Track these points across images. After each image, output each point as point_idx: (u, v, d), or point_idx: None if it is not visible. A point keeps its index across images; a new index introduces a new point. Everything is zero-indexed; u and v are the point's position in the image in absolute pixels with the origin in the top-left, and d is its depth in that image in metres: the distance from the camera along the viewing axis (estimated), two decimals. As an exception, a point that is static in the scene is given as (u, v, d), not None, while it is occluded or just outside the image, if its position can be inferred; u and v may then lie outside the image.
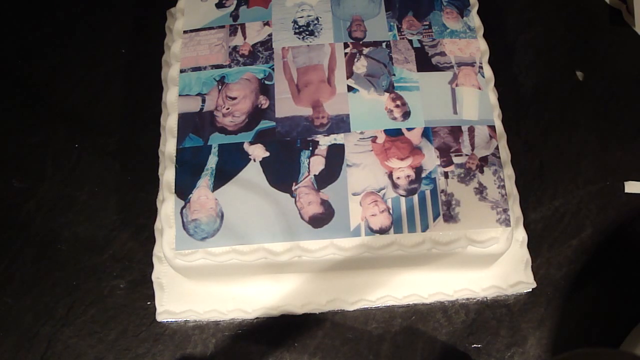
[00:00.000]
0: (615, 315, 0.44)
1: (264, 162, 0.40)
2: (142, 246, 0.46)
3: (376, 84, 0.42)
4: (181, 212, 0.39)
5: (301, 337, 0.43)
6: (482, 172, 0.39)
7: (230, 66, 0.43)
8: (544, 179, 0.48)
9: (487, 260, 0.42)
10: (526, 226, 0.45)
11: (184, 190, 0.39)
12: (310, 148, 0.40)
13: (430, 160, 0.40)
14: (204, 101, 0.42)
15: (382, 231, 0.38)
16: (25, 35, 0.54)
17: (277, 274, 0.42)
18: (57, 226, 0.47)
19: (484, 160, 0.40)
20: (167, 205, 0.39)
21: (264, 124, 0.41)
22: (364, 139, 0.40)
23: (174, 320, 0.44)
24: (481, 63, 0.43)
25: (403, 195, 0.39)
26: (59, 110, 0.51)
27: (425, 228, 0.38)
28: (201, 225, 0.38)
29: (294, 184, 0.39)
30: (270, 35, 0.44)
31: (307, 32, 0.44)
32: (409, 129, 0.41)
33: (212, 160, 0.40)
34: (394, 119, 0.41)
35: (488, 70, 0.44)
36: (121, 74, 0.52)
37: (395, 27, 0.44)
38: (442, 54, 0.43)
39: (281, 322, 0.43)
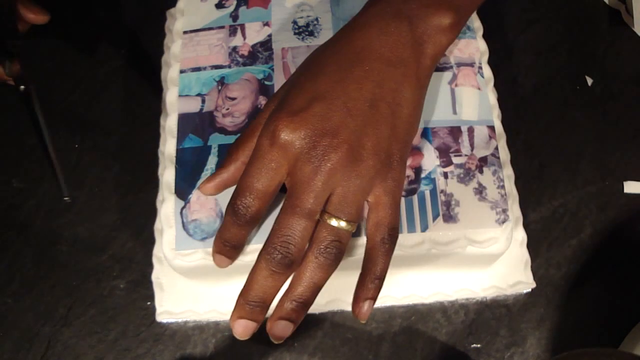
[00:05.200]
0: (614, 315, 0.44)
1: (263, 163, 0.40)
2: (142, 246, 0.46)
3: (376, 84, 0.42)
4: (181, 212, 0.39)
5: (301, 337, 0.43)
6: (481, 172, 0.40)
7: (230, 66, 0.43)
8: (544, 179, 0.48)
9: (486, 260, 0.42)
10: (525, 226, 0.45)
11: (184, 190, 0.39)
12: (310, 148, 0.40)
13: (430, 160, 0.40)
14: (203, 101, 0.42)
15: (382, 231, 0.38)
16: (25, 35, 0.54)
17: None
18: (57, 226, 0.47)
19: (483, 161, 0.40)
20: (167, 205, 0.39)
21: (264, 124, 0.41)
22: (363, 139, 0.40)
23: (173, 320, 0.44)
24: (480, 63, 0.43)
25: (402, 196, 0.39)
26: (59, 110, 0.51)
27: (424, 228, 0.38)
28: (201, 225, 0.38)
29: (293, 184, 0.39)
30: (269, 35, 0.44)
31: (306, 33, 0.44)
32: (408, 129, 0.41)
33: (212, 161, 0.40)
34: (394, 119, 0.41)
35: (487, 71, 0.44)
36: (121, 74, 0.52)
37: (395, 27, 0.44)
38: (442, 54, 0.43)
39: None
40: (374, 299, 0.34)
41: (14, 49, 0.40)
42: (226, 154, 0.37)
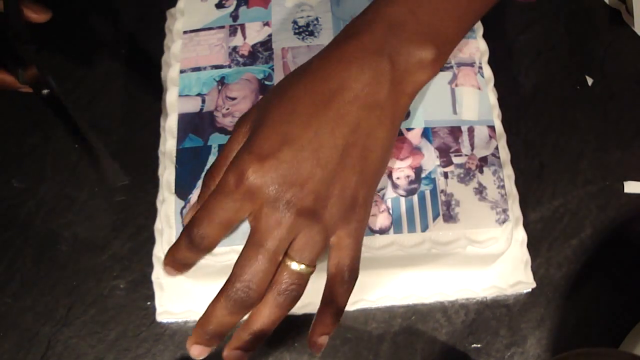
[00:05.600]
0: (615, 315, 0.44)
1: (263, 162, 0.40)
2: (142, 246, 0.46)
3: (376, 84, 0.42)
4: (181, 212, 0.39)
5: (301, 337, 0.43)
6: (481, 172, 0.40)
7: (230, 66, 0.43)
8: (544, 179, 0.48)
9: (486, 260, 0.42)
10: (526, 226, 0.45)
11: (184, 190, 0.39)
12: (310, 148, 0.40)
13: (430, 160, 0.40)
14: (203, 101, 0.42)
15: (382, 231, 0.38)
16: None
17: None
18: (57, 226, 0.47)
19: (483, 161, 0.40)
20: (167, 205, 0.39)
21: (264, 124, 0.41)
22: (363, 139, 0.40)
23: (173, 320, 0.44)
24: (481, 63, 0.43)
25: (403, 196, 0.39)
26: (59, 110, 0.51)
27: (425, 228, 0.38)
28: (201, 226, 0.38)
29: (293, 184, 0.39)
30: (270, 35, 0.44)
31: (307, 33, 0.44)
32: (408, 129, 0.41)
33: (212, 161, 0.40)
34: (394, 119, 0.41)
35: (487, 71, 0.44)
36: (121, 74, 0.52)
37: (395, 27, 0.44)
38: (442, 54, 0.43)
39: (281, 322, 0.43)
40: (330, 333, 0.35)
41: (26, 54, 0.38)
42: (202, 184, 0.37)
